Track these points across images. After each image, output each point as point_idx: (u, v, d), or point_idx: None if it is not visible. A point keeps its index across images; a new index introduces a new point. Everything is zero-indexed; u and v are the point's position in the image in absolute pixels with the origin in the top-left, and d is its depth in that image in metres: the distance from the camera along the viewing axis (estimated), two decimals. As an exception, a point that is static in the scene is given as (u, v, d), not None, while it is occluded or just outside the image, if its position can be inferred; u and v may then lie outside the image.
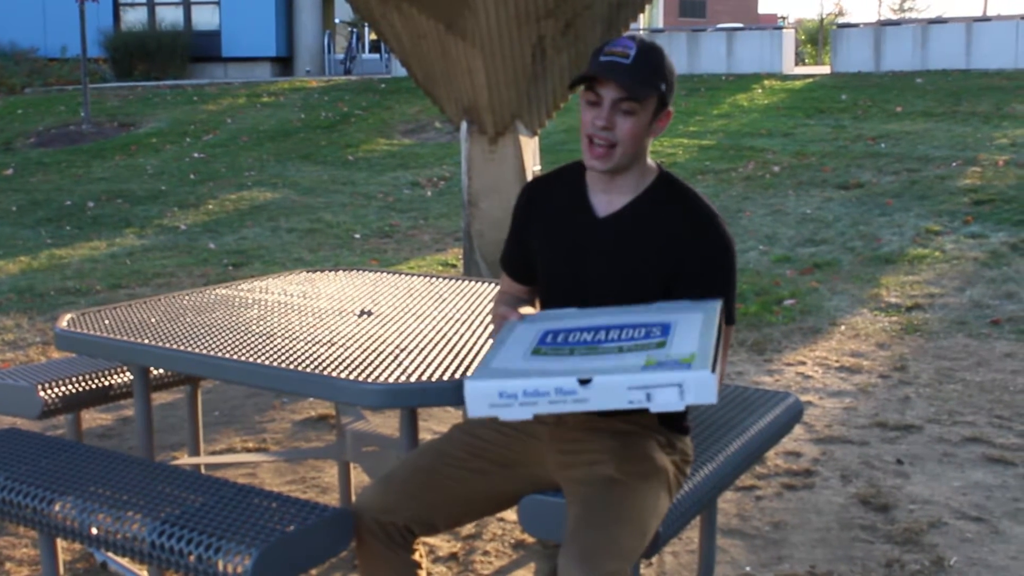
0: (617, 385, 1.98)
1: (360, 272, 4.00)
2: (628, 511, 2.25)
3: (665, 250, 2.39)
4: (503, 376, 2.03)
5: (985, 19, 16.22)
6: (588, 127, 2.37)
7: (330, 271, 4.03)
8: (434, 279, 3.84)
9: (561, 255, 2.49)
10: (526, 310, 2.48)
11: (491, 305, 3.21)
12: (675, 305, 2.30)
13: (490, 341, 2.44)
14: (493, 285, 3.69)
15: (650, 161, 2.49)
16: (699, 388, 1.97)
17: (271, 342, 2.88)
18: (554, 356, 2.12)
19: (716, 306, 2.28)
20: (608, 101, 2.33)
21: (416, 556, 2.42)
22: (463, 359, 2.71)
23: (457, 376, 2.55)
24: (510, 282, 2.69)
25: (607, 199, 2.46)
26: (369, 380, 2.53)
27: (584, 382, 1.98)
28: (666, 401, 1.98)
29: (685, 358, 2.01)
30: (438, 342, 2.90)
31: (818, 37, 24.56)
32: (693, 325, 2.18)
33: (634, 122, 2.35)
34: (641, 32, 18.96)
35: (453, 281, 3.79)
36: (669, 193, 2.46)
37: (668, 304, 2.31)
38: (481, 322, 3.11)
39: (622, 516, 2.23)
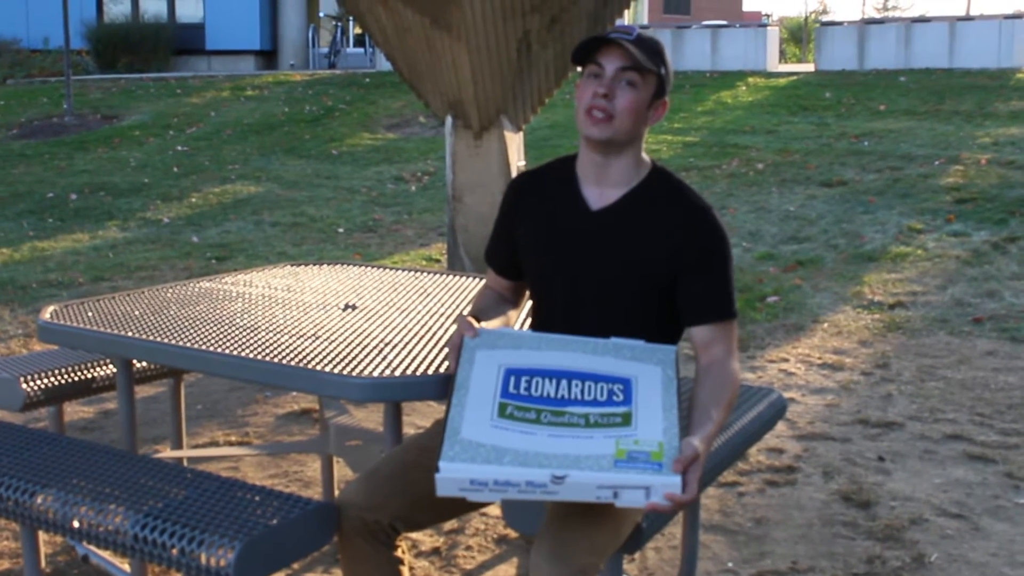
0: (588, 482, 2.01)
1: (344, 266, 3.99)
2: (603, 507, 2.25)
3: (660, 244, 2.38)
4: (475, 458, 2.03)
5: (968, 18, 16.27)
6: (587, 100, 2.35)
7: (314, 265, 4.02)
8: (419, 273, 3.83)
9: (553, 249, 2.47)
10: (491, 324, 2.47)
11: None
12: (629, 347, 2.30)
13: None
14: (477, 280, 3.69)
15: (644, 156, 2.48)
16: (665, 489, 2.01)
17: (255, 335, 2.87)
18: (522, 423, 2.11)
19: (671, 357, 2.29)
20: (611, 71, 2.32)
21: (399, 552, 2.42)
22: (447, 354, 2.70)
23: (442, 371, 2.55)
24: (495, 277, 2.68)
25: (600, 192, 2.45)
26: (353, 374, 2.52)
27: (558, 479, 2.01)
28: (632, 500, 2.03)
29: (655, 452, 2.05)
30: (422, 336, 2.89)
31: (802, 35, 24.60)
32: (654, 389, 2.20)
33: (634, 96, 2.34)
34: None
35: (437, 276, 3.78)
36: (663, 187, 2.45)
37: (622, 344, 2.31)
38: (465, 317, 3.11)
39: (596, 512, 2.23)
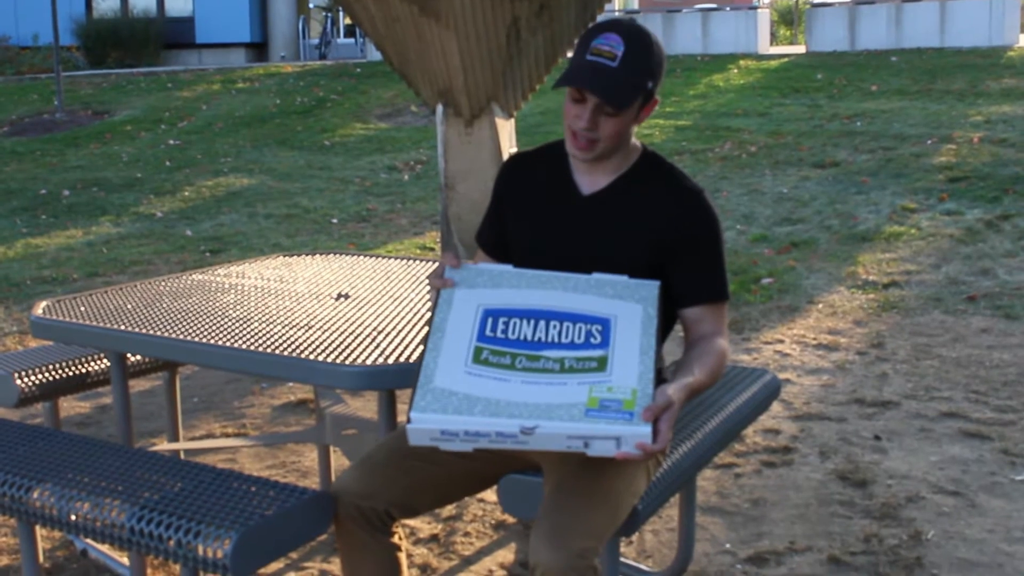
0: (558, 433, 2.01)
1: (337, 256, 3.99)
2: (601, 490, 2.25)
3: (652, 227, 2.38)
4: (446, 408, 2.03)
5: (959, -3, 16.24)
6: (571, 121, 2.32)
7: (307, 255, 4.02)
8: (411, 262, 3.83)
9: (544, 232, 2.47)
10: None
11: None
12: (612, 283, 2.28)
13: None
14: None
15: (634, 140, 2.47)
16: (636, 439, 2.01)
17: (248, 326, 2.87)
18: (496, 369, 2.10)
19: (654, 293, 2.27)
20: (592, 104, 2.29)
21: (396, 539, 2.42)
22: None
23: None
24: (484, 257, 2.67)
25: (590, 179, 2.45)
26: (347, 363, 2.53)
27: (527, 430, 2.01)
28: (602, 449, 2.03)
29: (627, 400, 2.04)
30: (416, 324, 2.90)
31: (792, 17, 24.56)
32: (633, 329, 2.18)
33: (616, 122, 2.31)
34: (617, 13, 18.91)
35: (430, 264, 3.78)
36: (653, 171, 2.44)
37: (604, 280, 2.29)
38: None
39: (594, 495, 2.23)
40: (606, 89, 2.26)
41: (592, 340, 2.16)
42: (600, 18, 3.11)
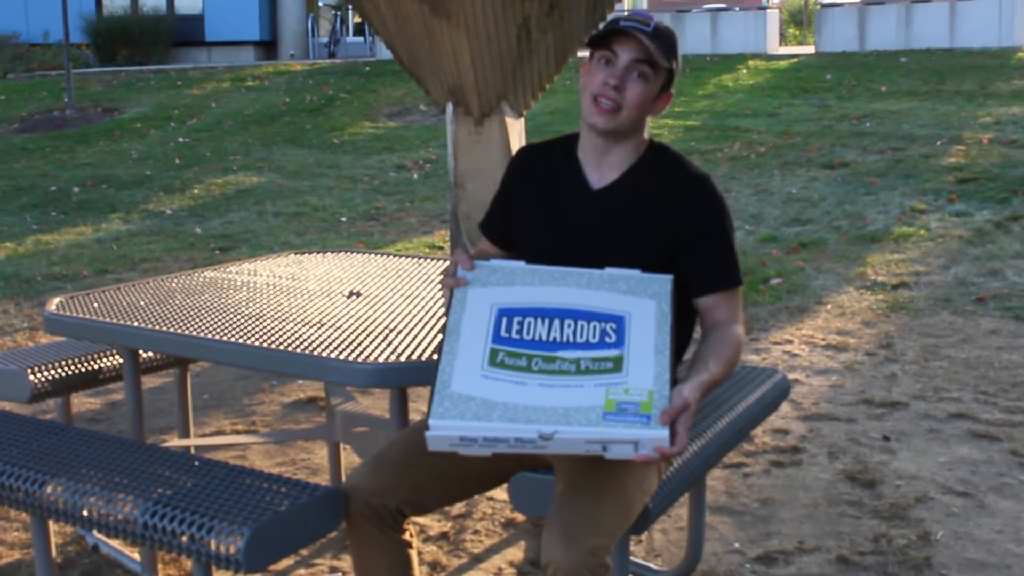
0: (576, 438, 2.02)
1: (348, 254, 4.00)
2: (612, 488, 2.26)
3: (661, 216, 2.39)
4: (464, 414, 2.04)
5: (968, -2, 16.23)
6: (597, 87, 2.34)
7: (318, 253, 4.03)
8: (422, 260, 3.84)
9: (552, 228, 2.47)
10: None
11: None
12: (626, 278, 2.28)
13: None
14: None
15: (644, 135, 2.49)
16: (654, 443, 2.02)
17: (260, 323, 2.88)
18: (513, 372, 2.10)
19: (667, 288, 2.27)
20: (624, 61, 2.32)
21: (407, 536, 2.43)
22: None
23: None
24: (488, 244, 2.68)
25: (599, 174, 2.46)
26: (359, 360, 2.54)
27: (546, 435, 2.02)
28: (621, 453, 2.05)
29: (644, 403, 2.04)
30: (427, 322, 2.91)
31: (802, 17, 24.54)
32: (647, 327, 2.18)
33: (643, 89, 2.35)
34: (626, 13, 18.87)
35: (441, 262, 3.79)
36: (660, 160, 2.46)
37: (617, 274, 2.29)
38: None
39: (606, 493, 2.24)
40: (643, 39, 2.30)
41: (607, 339, 2.16)
42: (610, 17, 3.11)
